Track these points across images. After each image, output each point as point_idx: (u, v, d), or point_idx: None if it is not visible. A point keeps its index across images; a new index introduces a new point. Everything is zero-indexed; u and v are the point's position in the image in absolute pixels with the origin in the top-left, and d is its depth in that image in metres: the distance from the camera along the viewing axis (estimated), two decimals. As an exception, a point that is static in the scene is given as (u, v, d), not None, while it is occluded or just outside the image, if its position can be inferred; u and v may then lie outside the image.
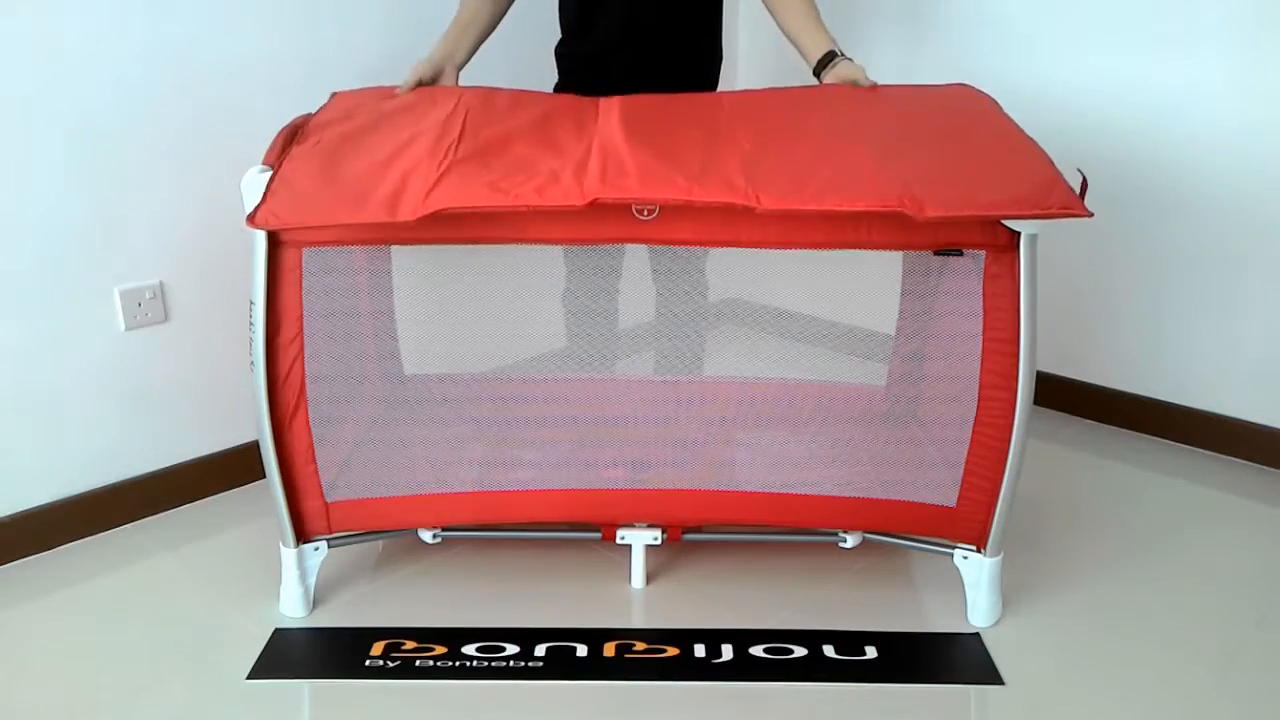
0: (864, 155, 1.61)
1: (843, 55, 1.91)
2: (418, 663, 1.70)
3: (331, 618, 1.83)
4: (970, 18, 2.65)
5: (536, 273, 1.76)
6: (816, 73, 1.95)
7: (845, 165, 1.58)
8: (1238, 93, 2.28)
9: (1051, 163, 1.58)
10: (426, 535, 1.91)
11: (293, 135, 1.71)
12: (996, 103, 1.82)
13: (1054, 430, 2.64)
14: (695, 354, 2.16)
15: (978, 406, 1.69)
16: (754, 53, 2.20)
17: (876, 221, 1.57)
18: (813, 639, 1.77)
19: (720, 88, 2.17)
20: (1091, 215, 1.49)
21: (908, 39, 2.80)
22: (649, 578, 1.94)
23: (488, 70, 2.38)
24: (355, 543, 1.89)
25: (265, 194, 1.54)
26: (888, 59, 2.83)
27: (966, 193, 1.51)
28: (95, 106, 1.94)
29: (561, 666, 1.69)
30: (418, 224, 1.50)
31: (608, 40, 2.04)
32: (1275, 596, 1.90)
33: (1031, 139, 1.66)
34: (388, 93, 1.86)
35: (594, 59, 2.07)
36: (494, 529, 2.01)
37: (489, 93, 1.84)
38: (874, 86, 1.87)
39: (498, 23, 2.06)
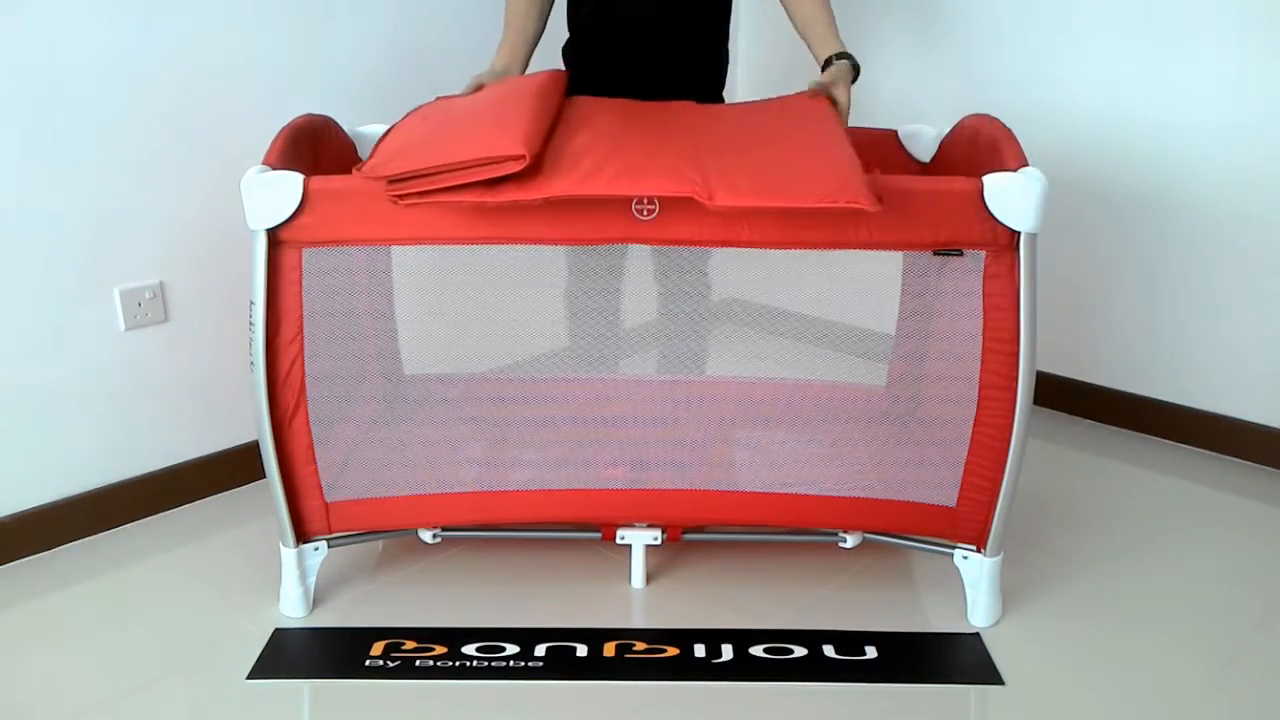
0: (675, 152, 1.59)
1: (844, 58, 1.89)
2: (418, 663, 1.70)
3: (331, 618, 1.83)
4: (968, 20, 2.65)
5: (536, 272, 1.76)
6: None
7: (635, 154, 1.58)
8: (1236, 93, 2.28)
9: (857, 162, 1.54)
10: (426, 535, 1.91)
11: (293, 135, 1.71)
12: (834, 110, 1.79)
13: (1054, 430, 2.64)
14: (697, 354, 2.16)
15: (978, 406, 1.69)
16: (753, 56, 2.21)
17: (876, 221, 1.58)
18: (813, 639, 1.77)
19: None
20: (879, 210, 1.46)
21: (913, 40, 2.80)
22: (649, 578, 1.94)
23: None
24: (355, 543, 1.89)
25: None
26: (897, 60, 2.83)
27: (763, 186, 1.50)
28: (95, 106, 1.94)
29: (561, 666, 1.69)
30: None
31: (614, 41, 2.05)
32: (1275, 596, 1.90)
33: (844, 139, 1.63)
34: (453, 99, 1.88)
35: (601, 59, 2.07)
36: (494, 529, 2.01)
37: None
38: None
39: (544, 26, 2.08)
